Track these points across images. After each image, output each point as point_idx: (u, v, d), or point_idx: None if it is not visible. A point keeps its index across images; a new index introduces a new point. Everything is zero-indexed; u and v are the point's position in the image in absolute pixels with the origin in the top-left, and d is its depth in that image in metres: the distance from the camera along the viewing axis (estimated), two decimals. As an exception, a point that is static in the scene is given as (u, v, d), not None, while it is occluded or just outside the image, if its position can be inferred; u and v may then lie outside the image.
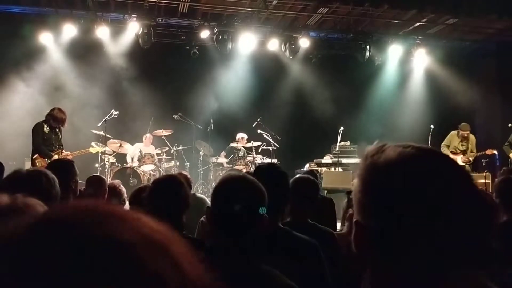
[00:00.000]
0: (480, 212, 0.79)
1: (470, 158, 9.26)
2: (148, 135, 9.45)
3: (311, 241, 2.10)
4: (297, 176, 2.79)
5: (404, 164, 0.81)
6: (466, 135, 9.28)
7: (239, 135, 9.87)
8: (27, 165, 7.41)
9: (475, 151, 9.36)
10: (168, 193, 2.43)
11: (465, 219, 0.77)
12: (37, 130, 7.16)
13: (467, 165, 9.17)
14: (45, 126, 7.21)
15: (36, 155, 7.09)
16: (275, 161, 9.45)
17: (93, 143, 8.04)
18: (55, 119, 7.21)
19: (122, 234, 0.43)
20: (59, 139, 7.40)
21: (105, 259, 0.41)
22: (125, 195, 4.25)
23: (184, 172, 5.05)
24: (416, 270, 0.79)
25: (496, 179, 3.28)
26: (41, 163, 6.93)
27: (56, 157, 7.01)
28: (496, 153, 9.37)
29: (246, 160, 9.47)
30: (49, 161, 6.82)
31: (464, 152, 9.29)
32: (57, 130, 7.36)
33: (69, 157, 7.11)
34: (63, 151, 7.48)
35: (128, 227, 0.44)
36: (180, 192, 2.47)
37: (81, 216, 0.44)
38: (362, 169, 0.85)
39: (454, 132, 9.45)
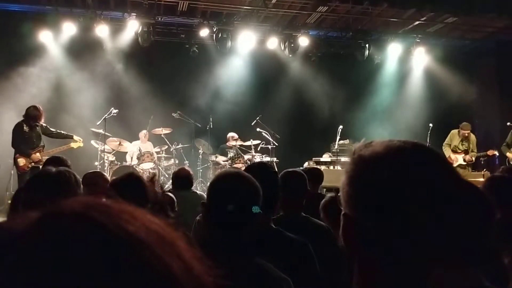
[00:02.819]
0: (468, 206, 0.79)
1: (472, 158, 9.27)
2: (144, 131, 9.47)
3: (301, 240, 2.11)
4: (286, 170, 2.82)
5: (390, 156, 0.81)
6: (466, 134, 9.29)
7: (228, 135, 9.90)
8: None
9: (475, 151, 9.37)
10: (125, 190, 2.39)
11: (451, 212, 0.77)
12: (16, 130, 7.42)
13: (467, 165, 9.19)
14: (25, 125, 7.44)
15: (17, 154, 7.36)
16: (274, 159, 9.47)
17: (75, 137, 8.05)
18: (30, 117, 7.44)
19: (134, 228, 0.44)
20: (40, 137, 7.60)
21: (120, 252, 0.42)
22: None
23: (186, 168, 5.06)
24: (402, 265, 0.79)
25: (487, 177, 3.27)
26: (23, 161, 7.29)
27: (37, 155, 7.36)
28: (497, 153, 9.38)
29: (246, 159, 9.48)
30: (28, 158, 7.27)
31: (465, 152, 9.31)
32: (37, 128, 7.55)
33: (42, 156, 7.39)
34: (40, 147, 7.62)
35: (139, 223, 0.45)
36: (137, 189, 2.43)
37: (94, 210, 0.45)
38: (350, 163, 0.86)
39: (455, 131, 9.46)
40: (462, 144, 9.35)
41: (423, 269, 0.79)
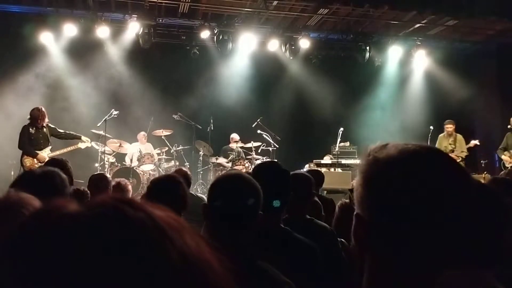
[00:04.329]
0: (480, 210, 0.80)
1: (458, 155, 9.25)
2: (143, 133, 9.47)
3: (309, 243, 2.10)
4: (292, 173, 2.80)
5: (404, 159, 0.82)
6: (449, 129, 9.36)
7: (231, 136, 9.89)
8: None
9: (465, 150, 9.35)
10: (165, 192, 2.44)
11: (464, 216, 0.78)
12: (23, 132, 7.60)
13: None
14: (30, 127, 7.60)
15: (24, 156, 7.50)
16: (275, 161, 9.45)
17: (83, 137, 8.14)
18: (33, 118, 7.60)
19: (136, 217, 0.47)
20: (47, 138, 7.74)
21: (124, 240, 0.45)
22: (130, 193, 4.29)
23: (184, 169, 5.06)
24: (413, 265, 0.79)
25: (489, 179, 3.28)
26: (29, 161, 7.43)
27: (42, 154, 7.50)
28: (478, 143, 9.42)
29: (246, 160, 9.47)
30: (35, 159, 7.42)
31: (452, 151, 9.31)
32: (44, 129, 7.70)
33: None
34: (48, 148, 7.74)
35: (142, 212, 0.48)
36: (177, 192, 2.48)
37: (124, 204, 0.48)
38: (364, 165, 0.86)
39: (441, 135, 9.54)
40: (450, 144, 9.37)
41: (434, 270, 0.79)
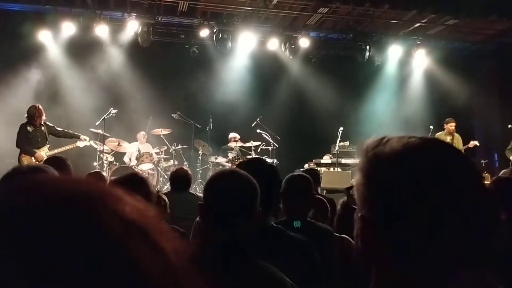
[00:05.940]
0: (488, 210, 0.77)
1: None
2: (143, 132, 9.44)
3: (304, 240, 2.06)
4: (290, 174, 2.75)
5: (410, 155, 0.78)
6: (452, 127, 9.26)
7: (230, 135, 9.86)
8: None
9: (462, 150, 9.30)
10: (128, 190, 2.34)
11: (473, 216, 0.74)
12: (20, 130, 7.55)
13: None
14: (28, 126, 7.57)
15: (22, 154, 7.47)
16: (274, 161, 9.43)
17: (82, 136, 8.12)
18: (30, 116, 7.57)
19: (103, 216, 0.43)
20: (45, 136, 7.71)
21: (81, 241, 0.41)
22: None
23: (184, 168, 5.04)
24: (422, 268, 0.76)
25: (493, 179, 3.28)
26: (27, 160, 7.39)
27: (40, 152, 7.46)
28: (478, 144, 9.32)
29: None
30: (32, 157, 7.37)
31: None
32: (42, 128, 7.67)
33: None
34: (46, 147, 7.72)
35: (113, 209, 0.44)
36: (141, 190, 2.40)
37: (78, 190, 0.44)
38: (364, 162, 0.81)
39: (440, 133, 9.46)
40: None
41: (445, 271, 0.76)
